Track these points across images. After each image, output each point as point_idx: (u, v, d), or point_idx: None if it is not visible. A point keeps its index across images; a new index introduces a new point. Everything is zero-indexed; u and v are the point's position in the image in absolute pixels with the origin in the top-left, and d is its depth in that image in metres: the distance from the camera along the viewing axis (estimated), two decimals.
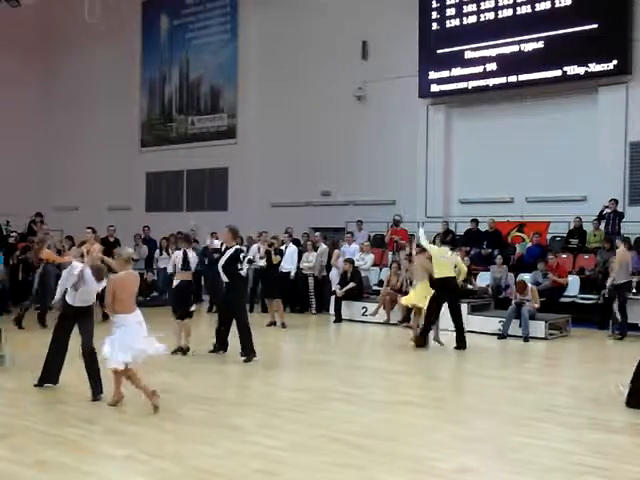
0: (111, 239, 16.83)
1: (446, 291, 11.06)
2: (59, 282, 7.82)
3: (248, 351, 9.60)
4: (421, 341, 11.10)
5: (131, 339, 6.80)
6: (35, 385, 7.61)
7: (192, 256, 10.24)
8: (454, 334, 11.23)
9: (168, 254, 17.63)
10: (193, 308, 10.21)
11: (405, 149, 18.29)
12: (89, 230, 12.71)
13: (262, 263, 13.63)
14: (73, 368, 7.58)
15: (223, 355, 9.99)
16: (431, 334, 11.30)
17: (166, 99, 23.75)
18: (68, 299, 7.43)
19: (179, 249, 10.41)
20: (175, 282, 10.23)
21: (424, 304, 11.14)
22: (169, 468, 5.24)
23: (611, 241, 14.32)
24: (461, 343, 11.10)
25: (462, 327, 11.22)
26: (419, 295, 11.27)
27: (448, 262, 11.15)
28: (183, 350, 10.00)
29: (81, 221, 18.42)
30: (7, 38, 23.16)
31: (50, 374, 7.64)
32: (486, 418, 6.90)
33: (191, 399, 7.39)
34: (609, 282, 12.41)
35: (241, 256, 9.81)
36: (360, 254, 15.79)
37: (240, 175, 21.66)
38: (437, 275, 11.06)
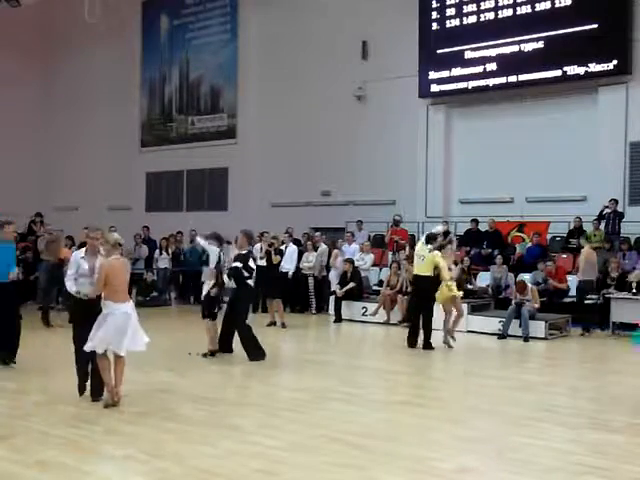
0: None
1: (416, 289, 11.22)
2: (67, 277, 7.47)
3: (254, 356, 9.62)
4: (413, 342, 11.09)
5: (115, 330, 6.77)
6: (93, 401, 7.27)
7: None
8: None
9: (168, 254, 17.70)
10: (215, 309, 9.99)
11: (405, 149, 18.29)
12: (86, 230, 12.65)
13: (262, 263, 13.63)
14: (73, 368, 7.57)
15: (223, 355, 9.98)
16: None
17: (166, 99, 23.77)
18: (85, 291, 7.21)
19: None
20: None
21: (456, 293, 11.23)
22: (169, 468, 5.24)
23: (611, 241, 14.35)
24: (425, 343, 10.95)
25: (428, 327, 10.99)
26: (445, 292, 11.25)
27: (422, 262, 11.04)
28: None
29: (81, 221, 18.42)
30: (7, 38, 23.17)
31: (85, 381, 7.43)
32: (486, 418, 6.90)
33: (191, 399, 7.39)
34: (578, 279, 13.19)
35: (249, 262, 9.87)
36: (360, 254, 15.78)
37: (240, 175, 21.66)
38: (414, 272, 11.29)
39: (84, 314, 7.10)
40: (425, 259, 10.97)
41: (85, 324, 6.99)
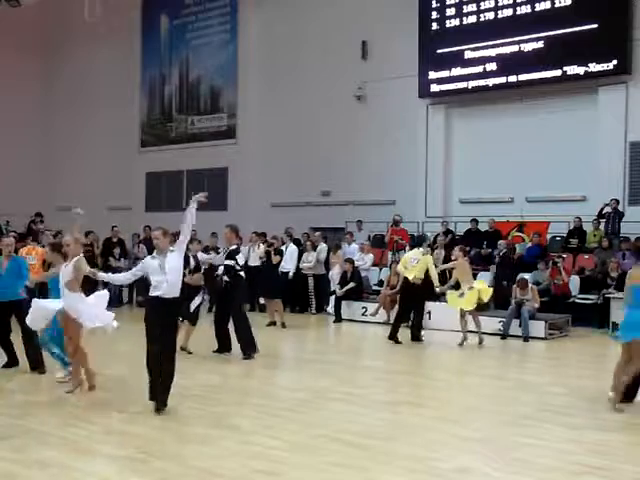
0: (115, 239, 16.99)
1: (410, 291, 11.59)
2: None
3: (248, 351, 9.70)
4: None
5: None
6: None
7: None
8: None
9: None
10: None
11: (405, 149, 18.28)
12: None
13: (258, 263, 13.60)
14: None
15: (224, 355, 9.98)
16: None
17: (166, 99, 23.75)
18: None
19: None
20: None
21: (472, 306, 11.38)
22: (169, 468, 5.24)
23: (611, 241, 14.35)
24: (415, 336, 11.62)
25: (420, 322, 11.74)
26: (469, 300, 11.34)
27: (416, 265, 11.46)
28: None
29: (81, 221, 18.40)
30: (7, 38, 23.17)
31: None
32: (486, 418, 6.90)
33: (191, 399, 7.39)
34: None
35: (237, 256, 9.90)
36: (360, 254, 15.77)
37: (240, 175, 21.65)
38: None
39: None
40: (419, 261, 11.42)
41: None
